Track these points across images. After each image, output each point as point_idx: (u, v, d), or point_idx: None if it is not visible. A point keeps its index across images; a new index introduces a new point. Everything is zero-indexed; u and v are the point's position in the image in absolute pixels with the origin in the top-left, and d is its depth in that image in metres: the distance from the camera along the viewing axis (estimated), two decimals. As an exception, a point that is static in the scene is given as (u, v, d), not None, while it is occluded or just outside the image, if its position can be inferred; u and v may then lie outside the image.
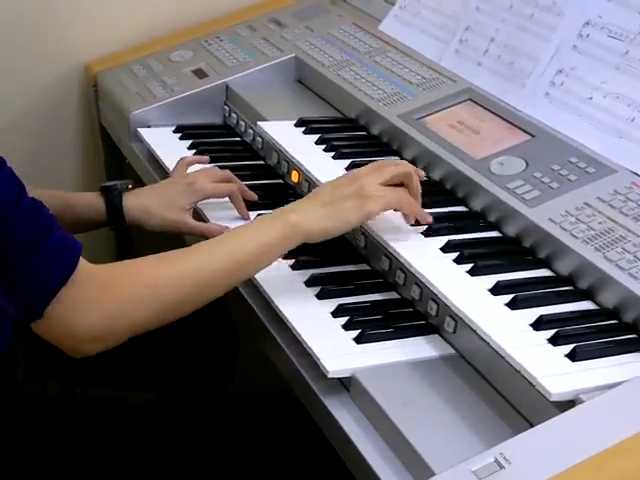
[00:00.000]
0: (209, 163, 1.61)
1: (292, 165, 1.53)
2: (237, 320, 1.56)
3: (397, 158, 1.53)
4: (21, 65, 2.02)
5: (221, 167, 1.61)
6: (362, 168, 1.28)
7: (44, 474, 1.22)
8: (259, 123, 1.65)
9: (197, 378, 1.55)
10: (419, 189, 1.29)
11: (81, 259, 1.07)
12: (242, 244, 1.18)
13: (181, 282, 1.13)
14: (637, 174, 1.31)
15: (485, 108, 1.55)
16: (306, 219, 1.19)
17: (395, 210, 1.29)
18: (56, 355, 1.23)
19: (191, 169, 1.53)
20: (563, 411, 0.95)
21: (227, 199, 1.48)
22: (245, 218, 1.45)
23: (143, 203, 1.44)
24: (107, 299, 1.09)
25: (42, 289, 1.04)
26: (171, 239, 1.44)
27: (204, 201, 1.48)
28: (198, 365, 1.56)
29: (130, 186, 1.48)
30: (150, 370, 1.53)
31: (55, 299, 1.04)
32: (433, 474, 0.92)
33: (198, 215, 1.48)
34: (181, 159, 1.55)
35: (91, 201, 1.45)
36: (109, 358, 1.30)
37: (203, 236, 1.37)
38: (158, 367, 1.53)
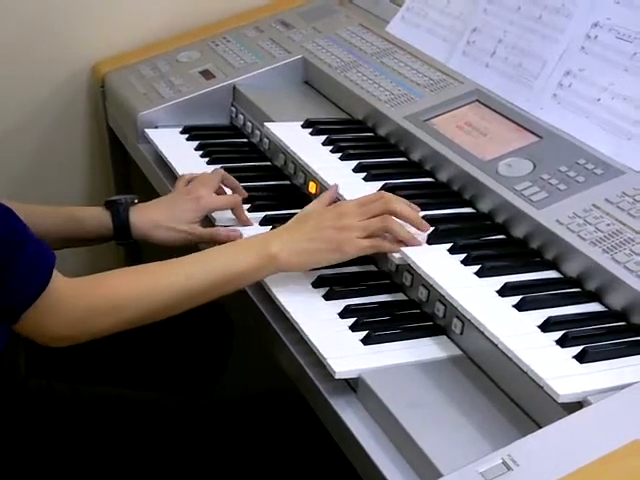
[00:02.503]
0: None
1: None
2: (241, 320, 1.56)
3: (404, 159, 1.53)
4: (29, 67, 2.03)
5: (227, 168, 1.61)
6: (347, 204, 1.27)
7: (42, 467, 1.22)
8: (266, 124, 1.65)
9: (188, 374, 1.57)
10: (409, 215, 1.26)
11: (54, 270, 1.10)
12: (218, 268, 1.20)
13: (152, 299, 1.17)
14: (645, 176, 1.31)
15: (492, 109, 1.55)
16: (285, 252, 1.21)
17: None
18: (49, 352, 1.26)
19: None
20: (571, 413, 0.95)
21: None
22: (247, 225, 1.45)
23: (150, 217, 1.44)
24: (76, 309, 1.13)
25: (18, 300, 1.08)
26: (179, 251, 1.44)
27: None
28: (191, 361, 1.57)
29: (136, 200, 1.47)
30: (145, 367, 1.54)
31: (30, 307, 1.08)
32: (440, 475, 0.92)
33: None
34: (181, 177, 1.54)
35: (97, 215, 1.45)
36: (104, 356, 1.33)
37: (213, 242, 1.37)
38: (153, 364, 1.54)
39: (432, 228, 1.28)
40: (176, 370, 1.56)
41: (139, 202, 1.47)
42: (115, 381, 1.50)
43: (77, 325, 1.14)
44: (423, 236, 1.27)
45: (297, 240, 1.23)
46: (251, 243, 1.24)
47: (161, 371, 1.55)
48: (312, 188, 1.50)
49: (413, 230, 1.27)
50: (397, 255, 1.24)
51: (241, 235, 1.33)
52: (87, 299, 1.14)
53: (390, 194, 1.29)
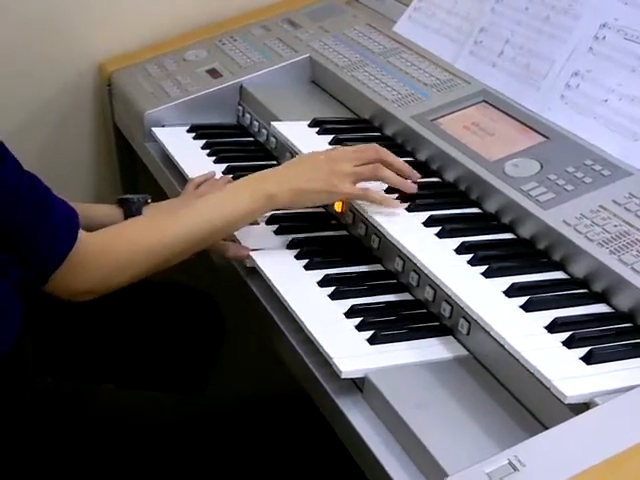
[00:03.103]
0: (224, 173, 1.62)
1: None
2: (238, 320, 1.57)
3: (411, 159, 1.53)
4: (36, 65, 2.03)
5: (234, 167, 1.62)
6: (342, 148, 1.35)
7: (46, 465, 1.22)
8: (273, 123, 1.65)
9: (180, 371, 1.59)
10: (399, 164, 1.34)
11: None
12: (222, 213, 1.27)
13: (165, 248, 1.24)
14: (653, 177, 1.30)
15: (500, 110, 1.54)
16: (281, 192, 1.28)
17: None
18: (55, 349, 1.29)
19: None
20: (577, 414, 0.95)
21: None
22: (255, 224, 1.45)
23: None
24: (101, 263, 1.19)
25: (49, 261, 1.14)
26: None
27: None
28: (184, 358, 1.58)
29: (149, 200, 1.48)
30: (144, 364, 1.56)
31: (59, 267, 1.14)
32: (446, 476, 0.92)
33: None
34: (191, 180, 1.56)
35: (109, 213, 1.47)
36: (103, 353, 1.43)
37: (222, 255, 1.37)
38: (152, 361, 1.56)
39: (439, 227, 1.28)
40: (169, 367, 1.57)
41: (151, 202, 1.48)
42: (112, 378, 1.53)
43: (101, 279, 1.20)
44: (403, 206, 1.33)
45: (293, 180, 1.28)
46: (249, 186, 1.30)
47: (158, 368, 1.57)
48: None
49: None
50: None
51: (249, 255, 1.33)
52: (111, 254, 1.20)
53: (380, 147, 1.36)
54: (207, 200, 1.31)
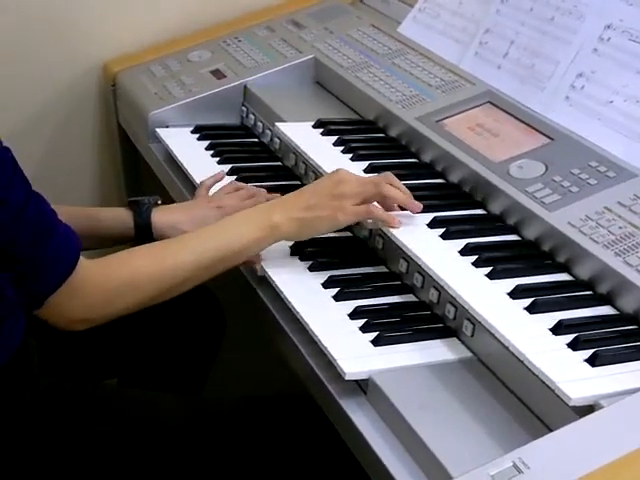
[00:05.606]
0: (228, 174, 1.61)
1: (310, 168, 1.52)
2: (239, 321, 1.56)
3: (416, 160, 1.53)
4: (41, 64, 2.03)
5: (238, 168, 1.62)
6: (346, 171, 1.31)
7: (52, 467, 1.22)
8: (277, 124, 1.65)
9: (179, 369, 1.58)
10: (404, 190, 1.31)
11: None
12: (227, 241, 1.25)
13: (168, 276, 1.21)
14: (658, 178, 1.30)
15: (504, 111, 1.54)
16: (286, 222, 1.26)
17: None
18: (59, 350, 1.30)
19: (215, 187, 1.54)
20: (582, 416, 0.94)
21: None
22: None
23: (172, 219, 1.44)
24: (99, 289, 1.17)
25: (45, 284, 1.11)
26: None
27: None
28: (182, 355, 1.58)
29: (159, 202, 1.48)
30: (145, 363, 1.56)
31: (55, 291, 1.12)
32: (450, 478, 0.92)
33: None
34: (201, 183, 1.54)
35: (119, 215, 1.46)
36: (107, 352, 1.44)
37: None
38: (154, 360, 1.56)
39: (444, 229, 1.28)
40: (169, 363, 1.57)
41: (162, 204, 1.48)
42: (114, 374, 1.55)
43: (98, 307, 1.18)
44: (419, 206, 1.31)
45: (297, 209, 1.26)
46: (254, 215, 1.28)
47: (158, 364, 1.57)
48: (323, 188, 1.50)
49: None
50: (370, 221, 1.29)
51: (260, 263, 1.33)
52: (109, 283, 1.18)
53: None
54: (214, 227, 1.29)
